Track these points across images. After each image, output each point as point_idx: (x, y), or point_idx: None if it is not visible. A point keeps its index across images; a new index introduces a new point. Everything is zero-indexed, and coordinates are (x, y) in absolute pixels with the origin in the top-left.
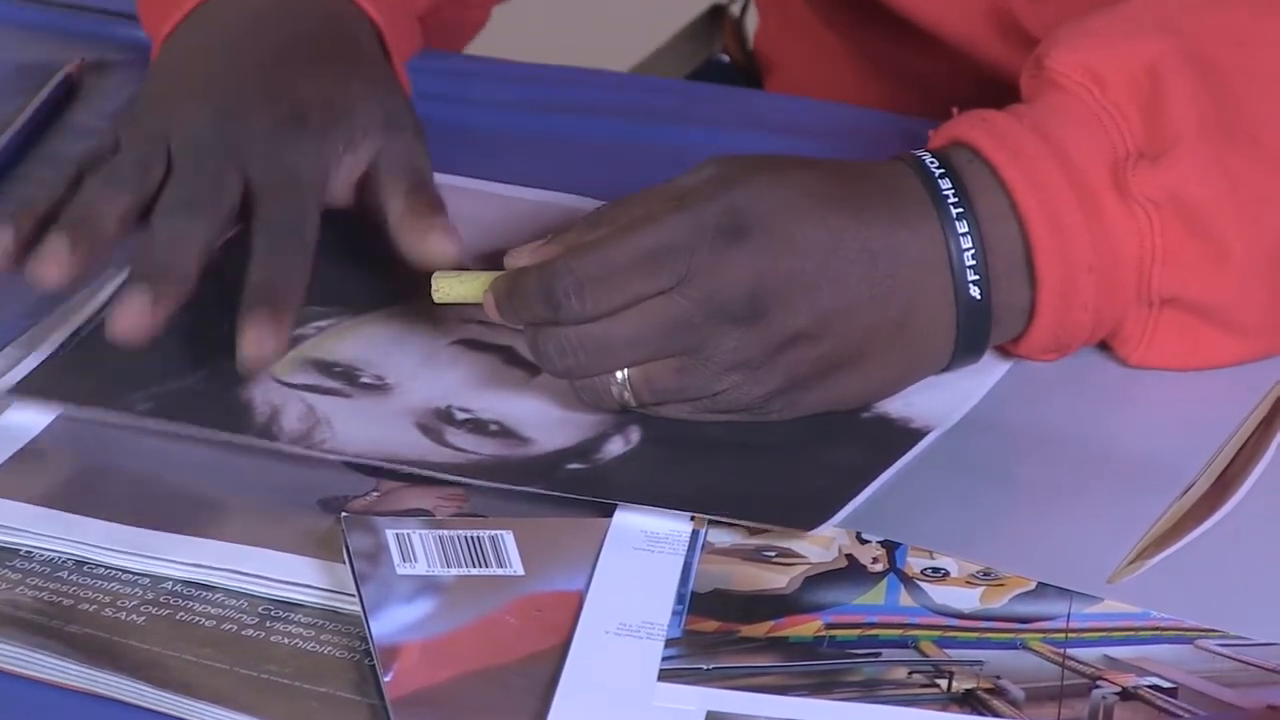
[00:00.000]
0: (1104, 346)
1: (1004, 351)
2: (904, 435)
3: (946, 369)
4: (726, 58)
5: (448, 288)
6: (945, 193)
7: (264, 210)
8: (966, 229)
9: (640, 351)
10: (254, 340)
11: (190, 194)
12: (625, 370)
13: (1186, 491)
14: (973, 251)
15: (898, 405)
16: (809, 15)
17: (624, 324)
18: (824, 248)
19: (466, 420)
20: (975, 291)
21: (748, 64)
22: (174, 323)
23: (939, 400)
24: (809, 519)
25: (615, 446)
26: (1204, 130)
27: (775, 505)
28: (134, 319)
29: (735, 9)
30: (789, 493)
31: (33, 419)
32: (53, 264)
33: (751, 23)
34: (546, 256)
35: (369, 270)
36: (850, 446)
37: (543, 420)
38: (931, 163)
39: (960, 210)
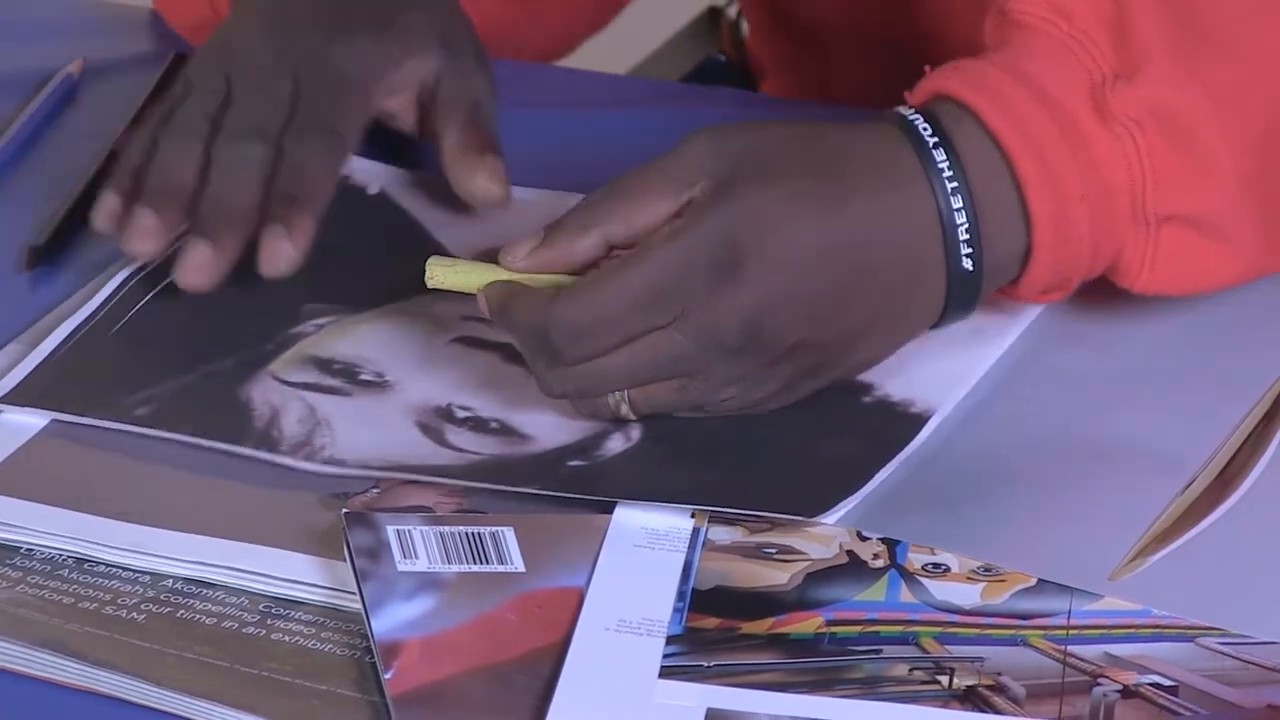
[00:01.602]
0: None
1: (998, 304)
2: (906, 421)
3: (936, 325)
4: (724, 58)
5: (441, 275)
6: (940, 164)
7: (300, 112)
8: (961, 204)
9: (637, 379)
10: (269, 255)
11: (247, 119)
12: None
13: (1188, 488)
14: (966, 226)
15: (899, 385)
16: (790, 14)
17: (620, 359)
18: (818, 256)
19: (467, 418)
20: (968, 263)
21: (745, 64)
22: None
23: (940, 380)
24: (814, 508)
25: (616, 443)
26: (1171, 43)
27: (780, 497)
28: (198, 273)
29: (732, 11)
30: (793, 485)
31: (33, 417)
32: (145, 238)
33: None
34: (543, 267)
35: (369, 267)
36: (853, 436)
37: (543, 418)
38: (924, 128)
39: (954, 184)
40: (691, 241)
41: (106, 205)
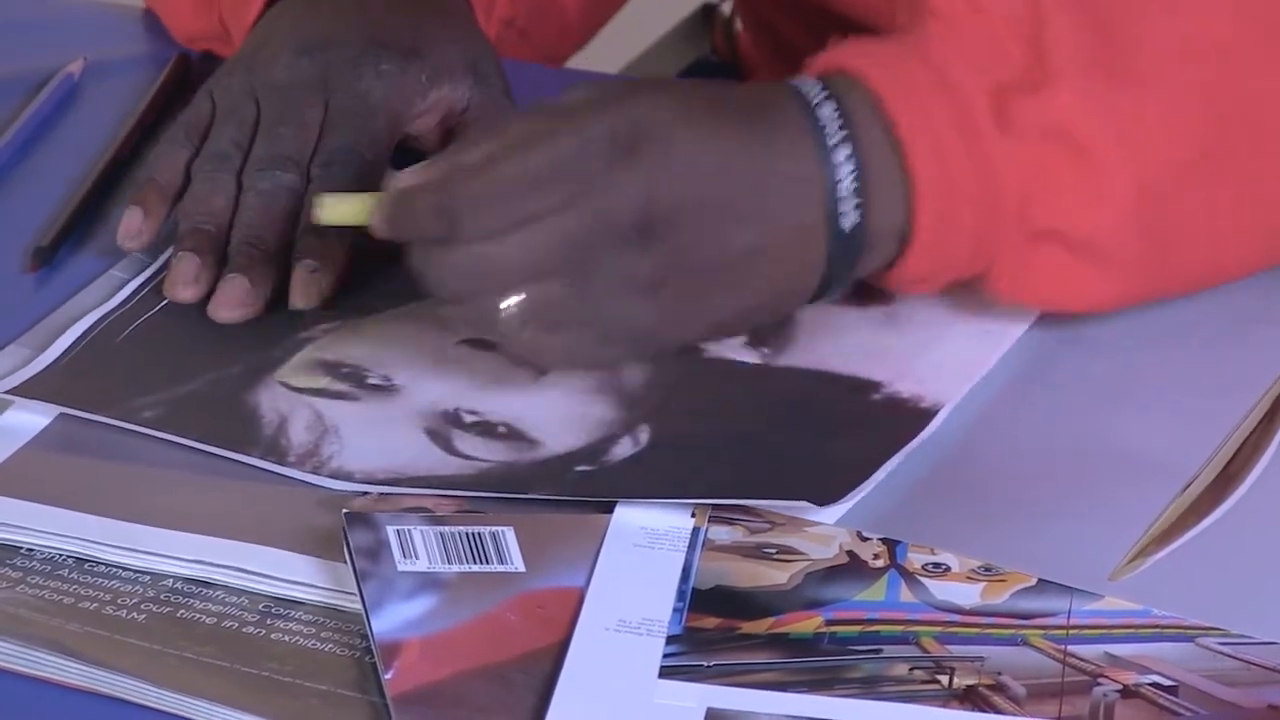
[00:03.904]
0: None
1: (977, 313)
2: (916, 415)
3: (818, 295)
4: (716, 57)
5: (333, 204)
6: (824, 121)
7: (327, 136)
8: (848, 152)
9: (533, 270)
10: (302, 293)
11: (277, 148)
12: (515, 296)
13: (1187, 488)
14: (854, 173)
15: (908, 384)
16: (788, 25)
17: (517, 242)
18: (711, 164)
19: (475, 423)
20: (855, 215)
21: (737, 63)
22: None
23: (948, 376)
24: (825, 497)
25: (624, 448)
26: (1084, 63)
27: (790, 488)
28: (236, 308)
29: (726, 8)
30: (804, 478)
31: (33, 418)
32: (190, 285)
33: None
34: (435, 175)
35: (376, 271)
36: (863, 433)
37: (551, 421)
38: (813, 88)
39: (843, 133)
40: (591, 123)
41: (132, 223)
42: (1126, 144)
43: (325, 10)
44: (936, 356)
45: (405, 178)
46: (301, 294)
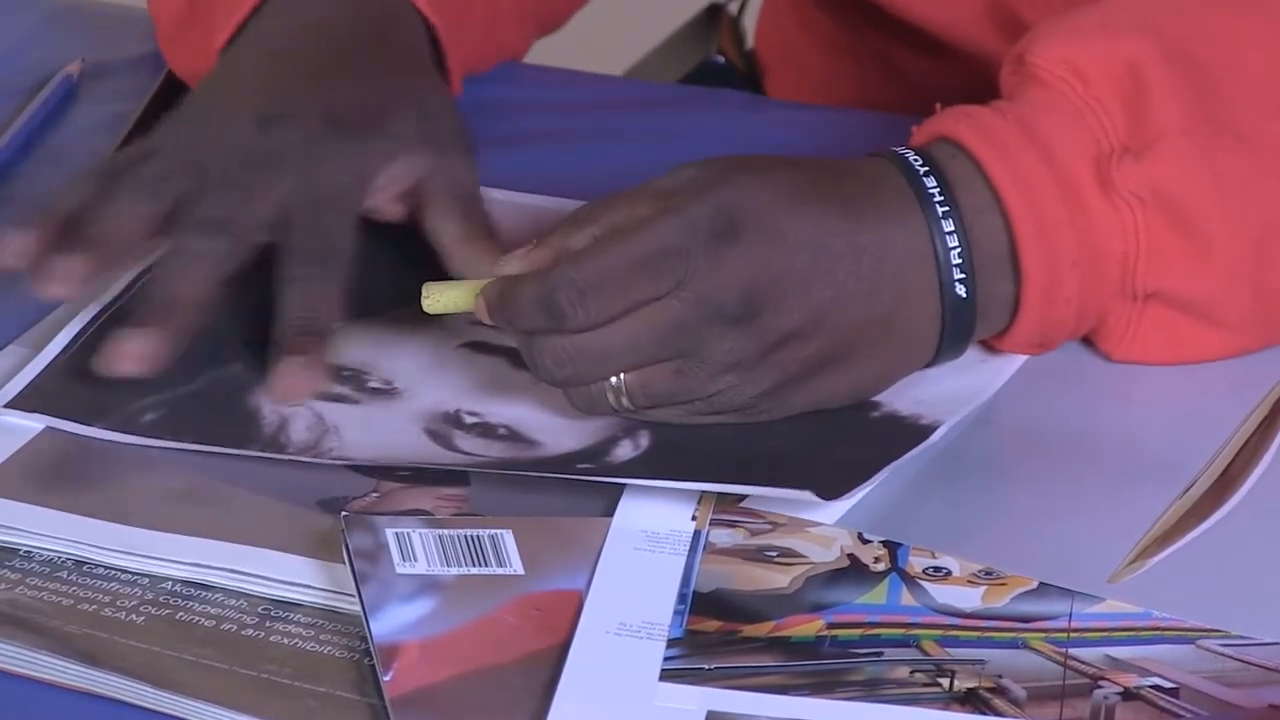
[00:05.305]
0: (1090, 342)
1: (987, 346)
2: (915, 431)
3: (930, 364)
4: (722, 59)
5: (439, 294)
6: (930, 190)
7: (297, 232)
8: (952, 227)
9: (637, 357)
10: (289, 384)
11: (216, 211)
12: (621, 375)
13: (1187, 490)
14: (959, 249)
15: (907, 403)
16: (818, 14)
17: (621, 331)
18: (813, 244)
19: (475, 424)
20: (960, 289)
21: (744, 65)
22: (181, 348)
23: (949, 398)
24: (832, 492)
25: (625, 450)
26: (1187, 125)
27: (798, 481)
28: (137, 361)
29: (733, 8)
30: (808, 474)
31: (32, 419)
32: (60, 282)
33: (750, 22)
34: (538, 263)
35: (375, 274)
36: (862, 444)
37: (551, 423)
38: (915, 160)
39: (945, 208)
40: (692, 210)
41: (20, 242)
42: (1230, 203)
43: (286, 73)
44: (934, 385)
45: (509, 264)
46: (290, 391)
